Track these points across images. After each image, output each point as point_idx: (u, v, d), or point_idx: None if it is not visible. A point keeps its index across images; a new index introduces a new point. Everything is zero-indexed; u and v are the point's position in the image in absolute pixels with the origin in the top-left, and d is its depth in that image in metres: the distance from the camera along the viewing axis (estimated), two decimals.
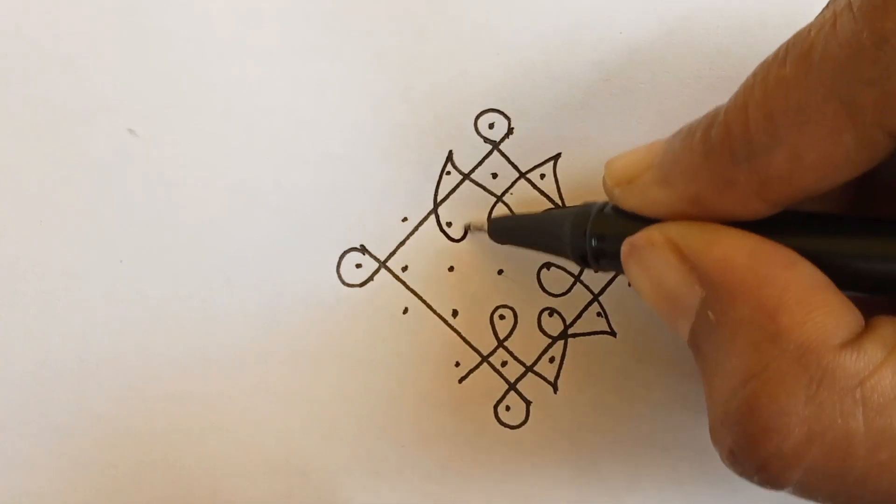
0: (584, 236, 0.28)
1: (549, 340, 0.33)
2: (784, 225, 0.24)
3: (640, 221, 0.26)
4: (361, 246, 0.32)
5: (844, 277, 0.24)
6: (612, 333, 0.33)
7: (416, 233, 0.33)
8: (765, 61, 0.23)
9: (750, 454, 0.23)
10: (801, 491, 0.23)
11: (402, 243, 0.33)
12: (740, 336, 0.23)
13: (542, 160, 0.33)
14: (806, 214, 0.25)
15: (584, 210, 0.28)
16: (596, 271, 0.29)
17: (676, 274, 0.25)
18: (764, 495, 0.33)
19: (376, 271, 0.32)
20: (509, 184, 0.33)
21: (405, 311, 0.32)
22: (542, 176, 0.33)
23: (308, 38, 0.32)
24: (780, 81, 0.23)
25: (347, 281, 0.32)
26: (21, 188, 0.31)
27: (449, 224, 0.33)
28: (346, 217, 0.32)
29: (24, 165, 0.31)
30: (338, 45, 0.32)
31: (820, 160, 0.22)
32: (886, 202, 0.28)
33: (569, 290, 0.33)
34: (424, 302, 0.33)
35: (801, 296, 0.22)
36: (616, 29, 0.32)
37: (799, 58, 0.22)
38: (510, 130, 0.33)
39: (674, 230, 0.25)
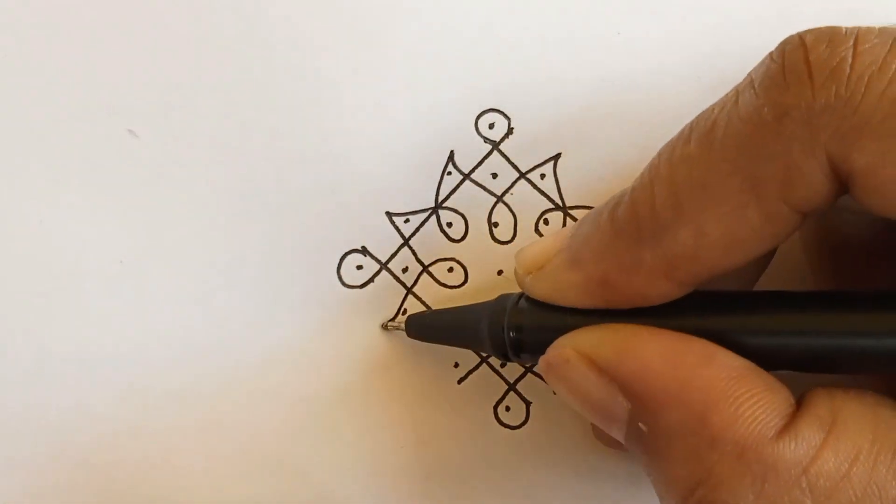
0: (502, 331, 0.28)
1: None
2: (695, 306, 0.24)
3: (555, 311, 0.26)
4: (362, 247, 0.32)
5: (757, 356, 0.23)
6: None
7: (417, 234, 0.33)
8: (670, 141, 0.24)
9: None
10: None
11: (403, 244, 0.33)
12: (676, 444, 0.23)
13: (543, 160, 0.33)
14: (717, 294, 0.25)
15: (500, 303, 0.28)
16: (521, 364, 0.28)
17: (598, 388, 0.24)
18: None
19: (377, 273, 0.32)
20: (509, 184, 0.33)
21: (405, 311, 0.32)
22: (543, 176, 0.33)
23: (308, 38, 0.32)
24: (684, 159, 0.23)
25: (348, 282, 0.32)
26: (21, 188, 0.31)
27: (450, 225, 0.33)
28: (346, 218, 0.32)
29: (24, 165, 0.31)
30: (339, 45, 0.32)
31: (725, 236, 0.23)
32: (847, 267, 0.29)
33: None
34: (424, 303, 0.33)
35: (726, 391, 0.22)
36: (614, 29, 0.32)
37: (702, 135, 0.23)
38: (510, 130, 0.33)
39: (584, 342, 0.25)
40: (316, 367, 0.32)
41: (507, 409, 0.33)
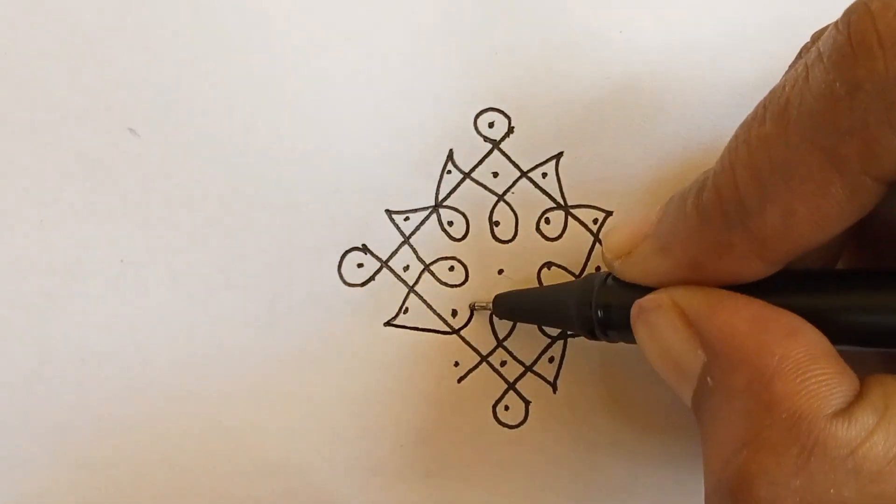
0: (589, 309, 0.28)
1: (549, 340, 0.33)
2: (785, 284, 0.24)
3: (642, 291, 0.27)
4: (363, 245, 0.32)
5: (843, 332, 0.24)
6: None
7: (418, 232, 0.32)
8: (745, 121, 0.24)
9: None
10: None
11: (403, 242, 0.32)
12: (736, 404, 0.23)
13: (544, 159, 0.33)
14: (806, 272, 0.25)
15: (588, 283, 0.29)
16: (607, 341, 0.29)
17: (681, 338, 0.25)
18: None
19: (378, 271, 0.32)
20: (511, 183, 0.33)
21: (406, 310, 0.32)
22: (544, 175, 0.33)
23: (309, 37, 0.32)
24: (762, 140, 0.23)
25: (349, 280, 0.32)
26: (21, 188, 0.31)
27: (450, 223, 0.33)
28: (347, 217, 0.32)
29: (25, 165, 0.31)
30: (339, 44, 0.32)
31: (812, 213, 0.22)
32: (888, 246, 0.28)
33: None
34: (425, 301, 0.33)
35: (797, 364, 0.22)
36: (616, 28, 0.32)
37: (777, 114, 0.22)
38: (510, 129, 0.32)
39: (679, 295, 0.25)
40: (316, 366, 0.32)
41: (507, 408, 0.33)
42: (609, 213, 0.33)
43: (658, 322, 0.25)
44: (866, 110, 0.21)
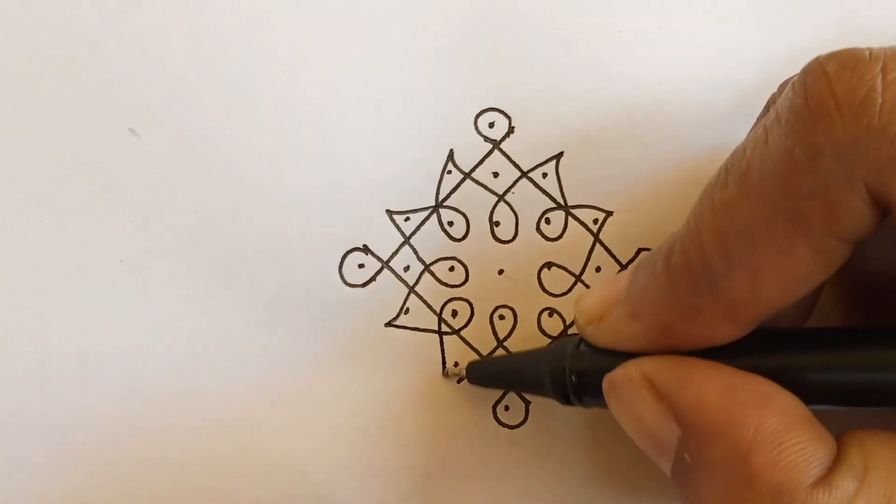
0: (563, 375, 0.28)
1: (549, 341, 0.33)
2: (756, 345, 0.25)
3: (615, 356, 0.27)
4: (364, 246, 0.32)
5: (816, 393, 0.24)
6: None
7: (418, 232, 0.32)
8: (709, 184, 0.24)
9: None
10: None
11: (404, 243, 0.32)
12: (716, 479, 0.23)
13: (544, 159, 0.33)
14: (777, 332, 0.25)
15: (560, 349, 0.29)
16: (583, 406, 0.29)
17: (654, 413, 0.25)
18: None
19: (379, 271, 0.32)
20: (511, 183, 0.33)
21: (406, 310, 0.32)
22: (545, 175, 0.33)
23: (309, 37, 0.32)
24: (725, 204, 0.23)
25: (349, 281, 0.32)
26: (21, 188, 0.31)
27: (451, 223, 0.33)
28: (347, 217, 0.32)
29: (24, 165, 0.31)
30: (338, 44, 0.32)
31: (779, 276, 0.22)
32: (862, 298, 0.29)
33: (569, 291, 0.33)
34: (425, 302, 0.33)
35: (773, 435, 0.22)
36: (616, 28, 0.32)
37: (739, 179, 0.23)
38: (511, 129, 0.32)
39: (649, 367, 0.25)
40: (316, 366, 0.32)
41: (507, 408, 0.33)
42: (609, 213, 0.33)
43: (629, 397, 0.26)
44: (827, 174, 0.21)
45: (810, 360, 0.24)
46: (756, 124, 0.23)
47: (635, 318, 0.26)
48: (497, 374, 0.32)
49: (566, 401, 0.29)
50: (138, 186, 0.32)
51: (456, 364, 0.32)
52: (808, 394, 0.24)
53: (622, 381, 0.26)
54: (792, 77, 0.27)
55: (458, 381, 0.32)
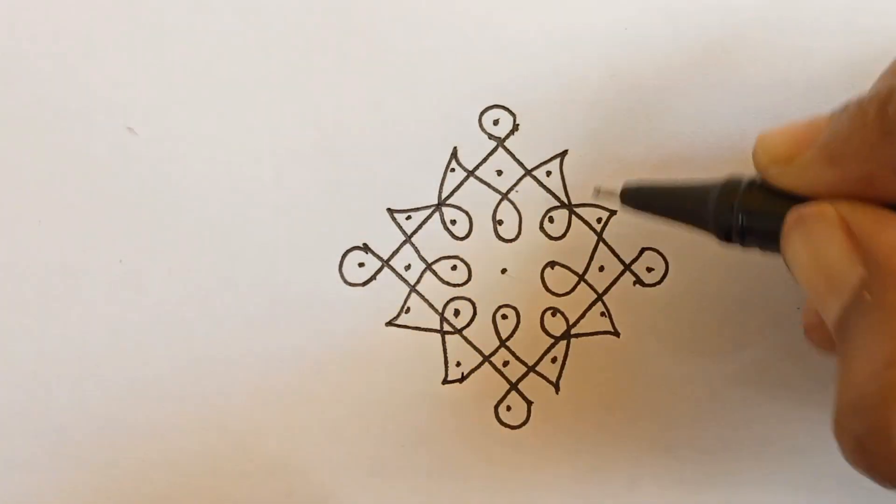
0: (731, 211, 0.27)
1: (552, 340, 0.33)
2: None
3: (795, 200, 0.25)
4: (364, 245, 0.32)
5: None
6: (616, 334, 0.33)
7: (420, 231, 0.32)
8: None
9: (880, 442, 0.21)
10: None
11: (405, 241, 0.32)
12: (894, 320, 0.22)
13: (549, 157, 0.32)
14: None
15: (731, 185, 0.27)
16: (742, 246, 0.28)
17: (841, 250, 0.24)
18: (764, 497, 0.33)
19: (379, 270, 0.32)
20: (515, 181, 0.32)
21: (407, 310, 0.32)
22: (549, 173, 0.32)
23: (310, 35, 0.31)
24: None
25: (350, 280, 0.32)
26: (21, 188, 0.31)
27: (453, 222, 0.32)
28: (348, 215, 0.32)
29: (24, 165, 0.31)
30: (341, 41, 0.32)
31: None
32: None
33: (572, 290, 0.33)
34: (427, 301, 0.32)
35: None
36: (621, 25, 0.32)
37: None
38: (515, 127, 0.32)
39: (846, 208, 0.24)
40: (316, 366, 0.32)
41: (508, 408, 0.33)
42: (613, 213, 0.33)
43: (818, 231, 0.24)
44: None
45: None
46: None
47: (834, 164, 0.24)
48: (657, 197, 0.30)
49: (726, 238, 0.27)
50: (138, 186, 0.31)
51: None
52: None
53: (815, 215, 0.25)
54: None
55: (596, 194, 0.32)
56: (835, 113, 0.25)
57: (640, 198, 0.30)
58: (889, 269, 0.23)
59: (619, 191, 0.30)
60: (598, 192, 0.31)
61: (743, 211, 0.27)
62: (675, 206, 0.29)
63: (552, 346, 0.33)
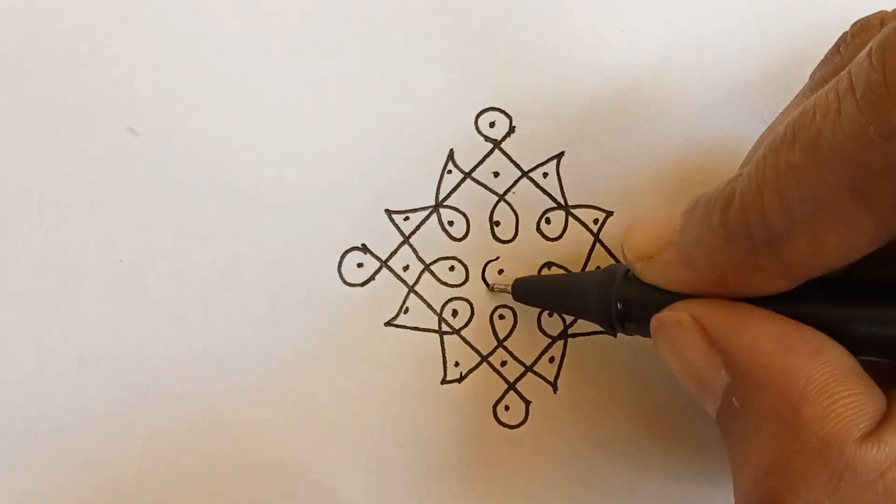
0: (609, 301, 0.28)
1: (549, 340, 0.33)
2: (805, 295, 0.24)
3: (664, 291, 0.26)
4: (363, 245, 0.32)
5: (865, 344, 0.24)
6: (612, 333, 0.33)
7: (418, 232, 0.32)
8: (773, 142, 0.23)
9: None
10: None
11: (403, 242, 0.32)
12: (764, 426, 0.23)
13: (545, 159, 0.33)
14: (825, 283, 0.25)
15: (609, 275, 0.28)
16: (625, 334, 0.29)
17: (703, 357, 0.25)
18: None
19: (378, 270, 0.32)
20: (511, 182, 0.33)
21: (406, 310, 0.32)
22: (545, 175, 0.33)
23: (309, 37, 0.32)
24: (791, 168, 0.22)
25: (349, 280, 0.32)
26: (21, 188, 0.31)
27: (451, 223, 0.33)
28: (347, 216, 0.32)
29: (24, 165, 0.31)
30: (338, 44, 0.32)
31: (840, 244, 0.22)
32: None
33: None
34: (425, 301, 0.32)
35: (824, 386, 0.22)
36: (617, 27, 0.32)
37: (807, 145, 0.22)
38: (511, 129, 0.32)
39: (700, 310, 0.25)
40: (316, 366, 0.32)
41: (507, 408, 0.33)
42: (609, 213, 0.33)
43: (678, 339, 0.25)
44: None
45: (859, 312, 0.24)
46: (827, 89, 0.23)
47: (687, 265, 0.25)
48: (543, 292, 0.31)
49: (609, 327, 0.29)
50: (138, 186, 0.31)
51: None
52: (857, 346, 0.23)
53: (671, 323, 0.25)
54: (863, 21, 0.26)
55: (491, 290, 0.33)
56: (686, 211, 0.26)
57: (530, 292, 0.32)
58: (748, 373, 0.23)
59: (510, 287, 0.32)
60: (492, 287, 0.33)
61: (620, 299, 0.28)
62: (561, 299, 0.31)
63: (550, 345, 0.33)
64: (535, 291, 0.32)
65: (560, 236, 0.33)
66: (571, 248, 0.33)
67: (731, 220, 0.24)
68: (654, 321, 0.26)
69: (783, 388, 0.22)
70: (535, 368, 0.33)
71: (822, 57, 0.28)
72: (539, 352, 0.33)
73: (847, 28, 0.27)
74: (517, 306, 0.33)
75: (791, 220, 0.22)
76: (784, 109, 0.29)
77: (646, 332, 0.27)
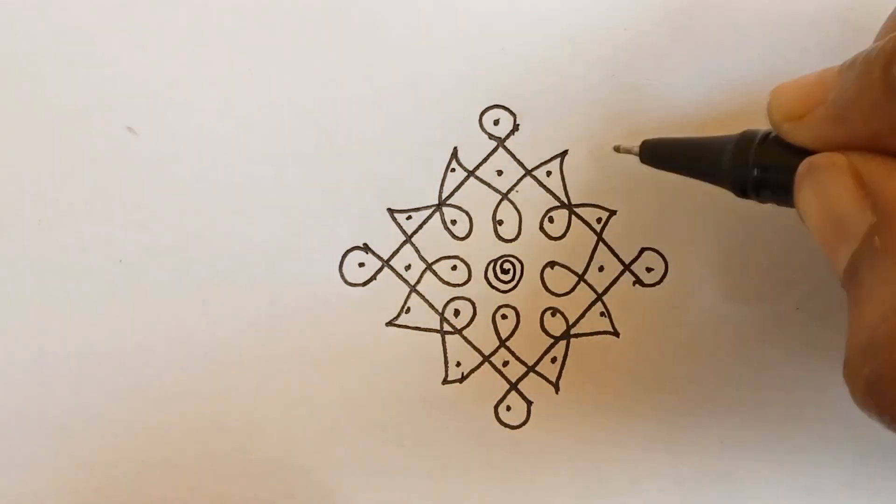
0: (746, 165, 0.27)
1: (552, 340, 0.33)
2: None
3: (807, 154, 0.26)
4: (364, 245, 0.32)
5: None
6: (615, 334, 0.33)
7: (420, 231, 0.32)
8: None
9: (890, 384, 0.22)
10: None
11: (405, 241, 0.32)
12: None
13: (549, 157, 0.32)
14: None
15: (746, 140, 0.28)
16: (757, 201, 0.28)
17: (851, 197, 0.24)
18: (764, 497, 0.33)
19: (379, 270, 0.32)
20: (515, 181, 0.32)
21: (408, 310, 0.32)
22: (549, 173, 0.32)
23: (310, 35, 0.31)
24: None
25: (350, 280, 0.32)
26: (21, 188, 0.31)
27: (454, 222, 0.32)
28: (348, 215, 0.32)
29: (24, 164, 0.31)
30: (341, 41, 0.32)
31: None
32: None
33: (572, 290, 0.33)
34: (427, 301, 0.32)
35: None
36: (620, 26, 0.32)
37: None
38: (516, 127, 0.32)
39: (856, 157, 0.24)
40: (316, 366, 0.32)
41: (508, 408, 0.33)
42: (613, 213, 0.33)
43: (828, 180, 0.25)
44: None
45: None
46: None
47: (842, 122, 0.25)
48: (674, 154, 0.30)
49: (742, 192, 0.28)
50: (138, 186, 0.31)
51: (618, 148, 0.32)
52: None
53: (826, 164, 0.25)
54: None
55: (616, 150, 0.32)
56: (843, 69, 0.25)
57: (658, 154, 0.31)
58: None
59: (637, 148, 0.31)
60: (618, 149, 0.32)
61: (757, 164, 0.27)
62: (692, 161, 0.30)
63: (552, 346, 0.33)
64: (664, 154, 0.31)
65: (563, 235, 0.33)
66: (575, 247, 0.33)
67: (893, 75, 0.23)
68: (805, 164, 0.26)
69: None
70: (537, 369, 0.33)
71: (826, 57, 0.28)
72: (541, 352, 0.33)
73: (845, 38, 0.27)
74: (520, 305, 0.33)
75: None
76: None
77: (782, 200, 0.27)
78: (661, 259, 0.33)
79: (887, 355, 0.22)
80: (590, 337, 0.33)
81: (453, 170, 0.32)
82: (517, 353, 0.33)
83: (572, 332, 0.33)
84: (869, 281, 0.23)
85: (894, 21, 0.27)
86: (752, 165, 0.27)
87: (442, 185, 0.32)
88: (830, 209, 0.25)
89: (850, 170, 0.24)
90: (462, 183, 0.32)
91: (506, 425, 0.33)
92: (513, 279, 0.33)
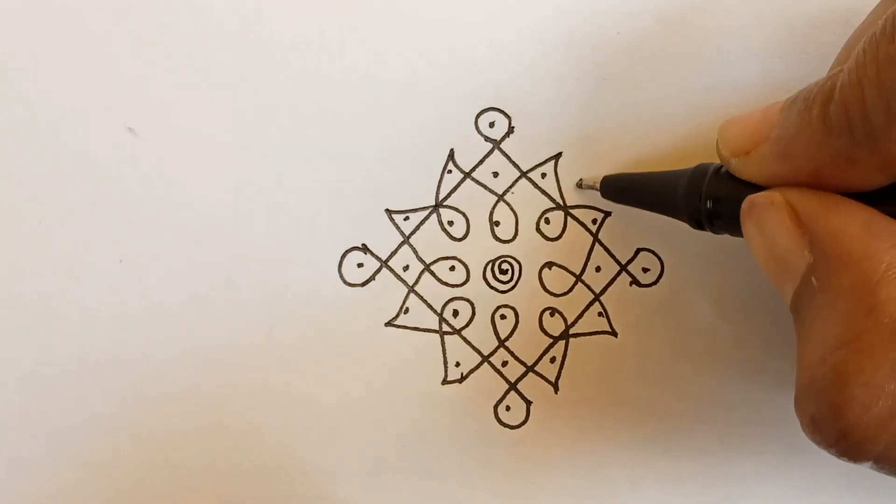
0: (699, 198, 0.28)
1: (551, 340, 0.33)
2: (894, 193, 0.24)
3: (755, 187, 0.26)
4: (363, 245, 0.32)
5: None
6: (614, 333, 0.33)
7: (418, 231, 0.32)
8: (873, 36, 0.23)
9: (831, 422, 0.22)
10: (880, 465, 0.23)
11: (403, 242, 0.32)
12: (838, 304, 0.23)
13: (543, 159, 0.33)
14: None
15: (699, 173, 0.28)
16: (712, 232, 0.28)
17: (789, 236, 0.25)
18: (764, 497, 0.33)
19: (378, 270, 0.32)
20: (510, 182, 0.33)
21: (406, 310, 0.32)
22: (543, 175, 0.33)
23: (309, 36, 0.32)
24: (890, 60, 0.22)
25: (349, 280, 0.32)
26: (21, 188, 0.31)
27: (451, 223, 0.33)
28: (347, 216, 0.32)
29: (24, 165, 0.31)
30: (338, 43, 0.32)
31: None
32: None
33: (570, 290, 0.33)
34: (425, 301, 0.32)
35: None
36: (614, 29, 0.32)
37: None
38: (511, 129, 0.32)
39: (793, 195, 0.25)
40: (316, 366, 0.32)
41: (508, 408, 0.33)
42: (608, 214, 0.33)
43: (768, 219, 0.25)
44: None
45: None
46: None
47: (784, 159, 0.25)
48: (632, 189, 0.31)
49: (698, 225, 0.29)
50: (138, 186, 0.32)
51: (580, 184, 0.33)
52: None
53: (765, 203, 0.26)
54: None
55: (579, 187, 0.33)
56: (785, 106, 0.26)
57: (618, 189, 0.32)
58: (833, 253, 0.24)
59: (598, 184, 0.32)
60: (580, 184, 0.33)
61: (710, 197, 0.28)
62: (650, 196, 0.31)
63: (551, 345, 0.33)
64: (623, 188, 0.32)
65: (560, 236, 0.33)
66: (571, 248, 0.33)
67: (832, 114, 0.23)
68: (747, 202, 0.26)
69: (863, 270, 0.23)
70: (536, 369, 0.33)
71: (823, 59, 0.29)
72: (540, 352, 0.33)
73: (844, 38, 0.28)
74: (519, 306, 0.33)
75: (890, 111, 0.22)
76: (873, 10, 0.29)
77: (735, 231, 0.27)
78: (656, 259, 0.33)
79: (828, 394, 0.22)
80: (588, 337, 0.33)
81: (450, 171, 0.33)
82: (516, 353, 0.33)
83: (571, 331, 0.33)
84: (809, 320, 0.24)
85: (845, 54, 0.28)
86: (705, 198, 0.28)
87: (439, 186, 0.33)
88: (771, 248, 0.26)
89: (787, 208, 0.25)
90: (458, 184, 0.33)
91: (505, 425, 0.33)
92: (511, 279, 0.33)
